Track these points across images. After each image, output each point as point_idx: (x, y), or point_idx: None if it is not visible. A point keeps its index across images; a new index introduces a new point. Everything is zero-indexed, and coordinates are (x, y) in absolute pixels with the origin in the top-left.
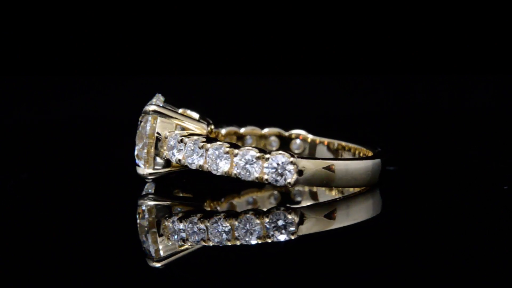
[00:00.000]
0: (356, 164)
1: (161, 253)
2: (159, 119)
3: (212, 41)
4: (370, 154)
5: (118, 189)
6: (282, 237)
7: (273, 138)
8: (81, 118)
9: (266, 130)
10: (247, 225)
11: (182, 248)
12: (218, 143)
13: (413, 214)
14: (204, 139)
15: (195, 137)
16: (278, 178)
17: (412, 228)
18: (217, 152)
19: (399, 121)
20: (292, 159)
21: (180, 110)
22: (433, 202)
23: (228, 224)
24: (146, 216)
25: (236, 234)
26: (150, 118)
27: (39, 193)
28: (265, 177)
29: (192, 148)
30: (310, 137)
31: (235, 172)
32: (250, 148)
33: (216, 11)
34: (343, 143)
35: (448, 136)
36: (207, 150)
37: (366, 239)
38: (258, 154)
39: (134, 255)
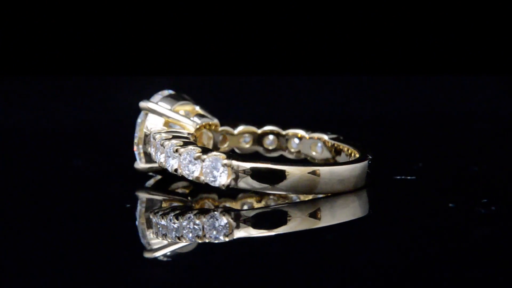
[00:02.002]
0: (341, 169)
1: (152, 245)
2: (149, 115)
3: (231, 42)
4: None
5: (124, 181)
6: (217, 239)
7: (295, 140)
8: (91, 117)
9: (287, 131)
10: (190, 225)
11: (171, 242)
12: (174, 141)
13: (397, 217)
14: (169, 137)
15: (164, 135)
16: (213, 179)
17: (394, 230)
18: (169, 150)
19: (395, 122)
20: (225, 161)
21: (190, 107)
22: (420, 205)
23: (177, 222)
24: (139, 209)
25: (184, 232)
26: (142, 114)
27: (51, 182)
28: (202, 177)
29: (158, 145)
30: (330, 142)
31: (180, 170)
32: (194, 147)
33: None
34: (338, 143)
35: (444, 138)
36: (164, 147)
37: (349, 240)
38: (197, 154)
39: (120, 244)
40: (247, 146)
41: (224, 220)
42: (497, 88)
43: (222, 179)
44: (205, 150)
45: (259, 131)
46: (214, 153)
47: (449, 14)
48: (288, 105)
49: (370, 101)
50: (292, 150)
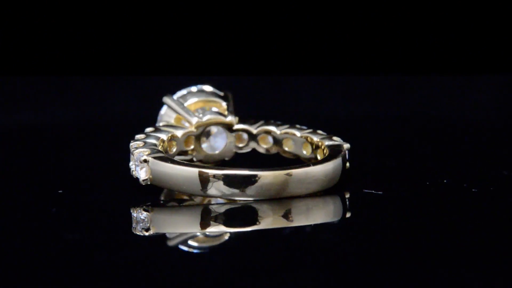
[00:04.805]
0: (314, 169)
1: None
2: (165, 108)
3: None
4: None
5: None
6: (141, 232)
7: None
8: (105, 117)
9: (303, 133)
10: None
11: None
12: (139, 135)
13: (372, 220)
14: (147, 131)
15: (148, 129)
16: (137, 174)
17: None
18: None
19: (394, 122)
20: (144, 157)
21: (214, 104)
22: (398, 209)
23: (137, 214)
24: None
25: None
26: (164, 107)
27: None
28: (134, 172)
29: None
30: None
31: (129, 165)
32: (139, 143)
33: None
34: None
35: (443, 140)
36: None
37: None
38: (132, 149)
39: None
40: (266, 146)
41: (144, 214)
42: (497, 88)
43: (142, 174)
44: (150, 146)
45: (279, 132)
46: (141, 149)
47: (449, 14)
48: (298, 105)
49: (371, 102)
50: (305, 152)
